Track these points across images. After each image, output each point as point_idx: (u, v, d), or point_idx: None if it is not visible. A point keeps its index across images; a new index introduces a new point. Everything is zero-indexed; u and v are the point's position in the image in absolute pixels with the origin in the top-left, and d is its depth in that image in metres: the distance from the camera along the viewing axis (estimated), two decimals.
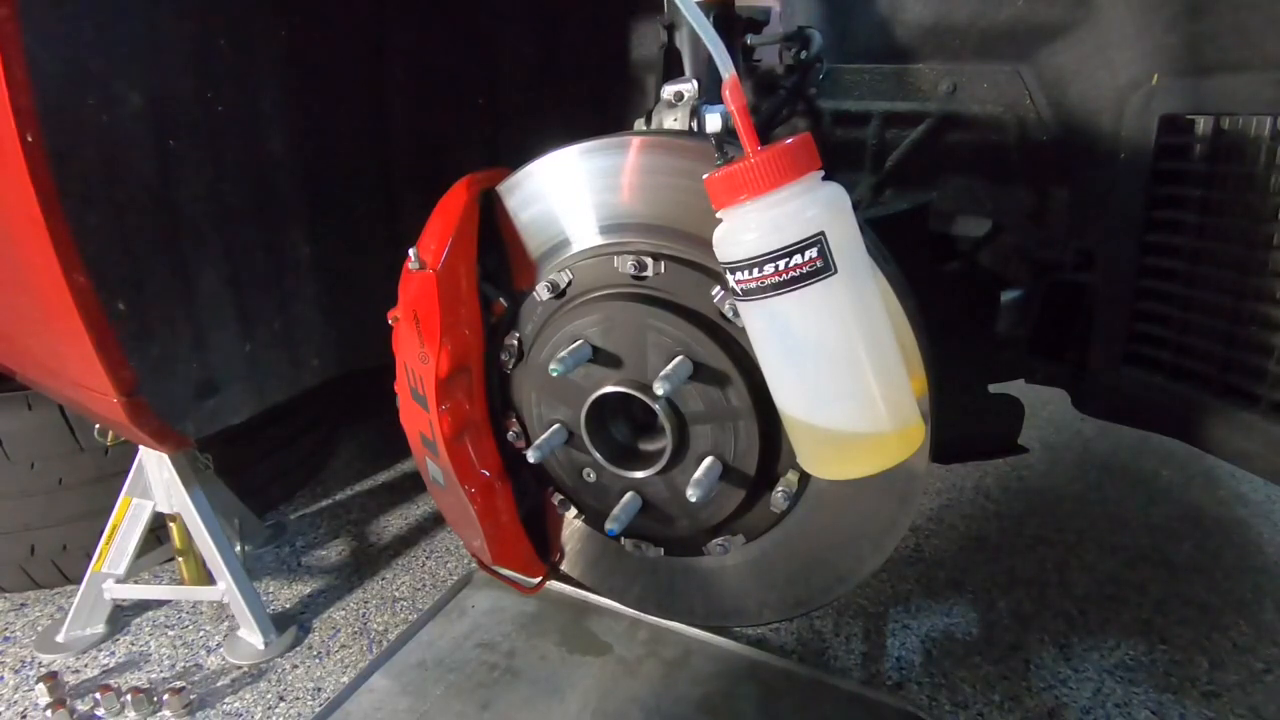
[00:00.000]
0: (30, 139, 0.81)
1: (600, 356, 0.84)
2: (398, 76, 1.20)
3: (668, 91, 0.87)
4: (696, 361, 0.78)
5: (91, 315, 0.91)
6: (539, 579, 1.06)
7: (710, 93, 0.88)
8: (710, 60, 0.66)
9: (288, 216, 1.14)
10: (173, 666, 1.35)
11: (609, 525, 0.87)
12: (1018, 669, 1.29)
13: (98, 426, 1.38)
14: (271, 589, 1.55)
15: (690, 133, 0.86)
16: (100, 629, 1.41)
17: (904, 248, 0.78)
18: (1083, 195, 0.97)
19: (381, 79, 1.19)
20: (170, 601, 1.50)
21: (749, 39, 1.11)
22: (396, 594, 1.52)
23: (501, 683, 1.22)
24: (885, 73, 1.10)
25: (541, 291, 0.87)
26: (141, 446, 1.32)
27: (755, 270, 0.63)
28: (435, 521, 1.76)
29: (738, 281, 0.66)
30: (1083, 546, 1.61)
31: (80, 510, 1.45)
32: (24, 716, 1.25)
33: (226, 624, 1.43)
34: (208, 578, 1.39)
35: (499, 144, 1.34)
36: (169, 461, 1.30)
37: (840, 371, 0.66)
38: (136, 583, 1.43)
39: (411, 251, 0.84)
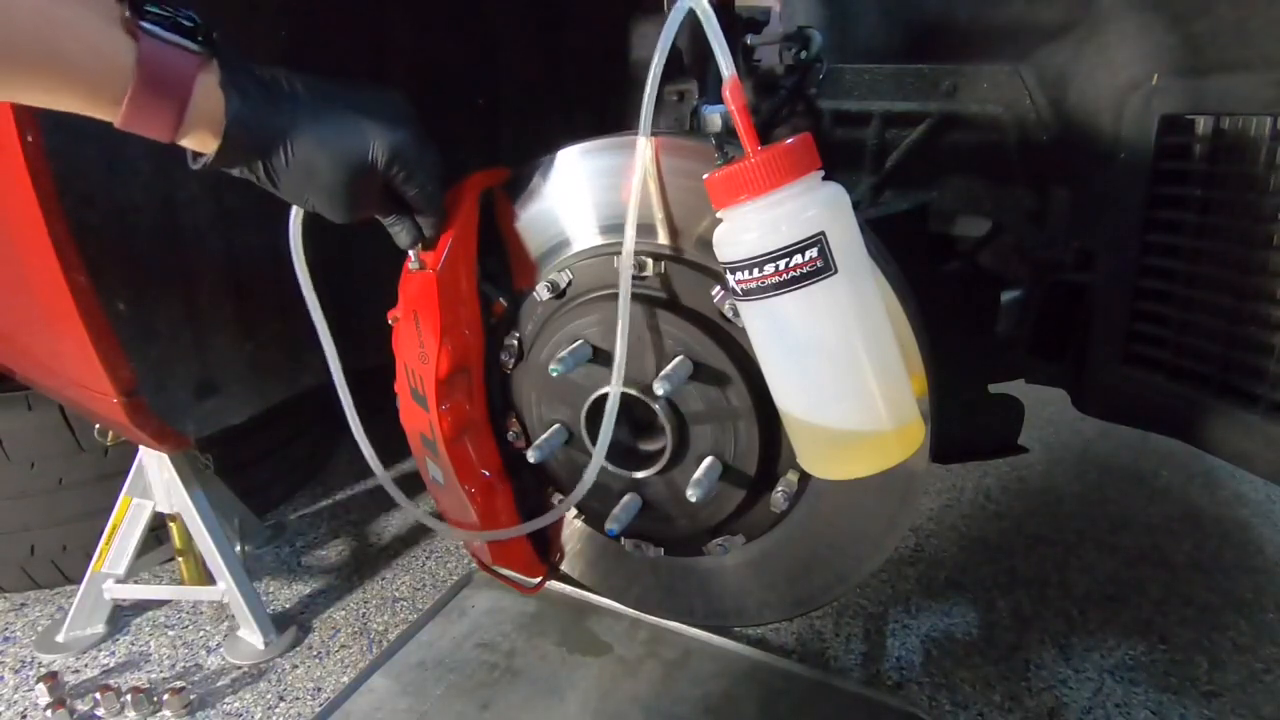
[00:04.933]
0: (30, 139, 0.81)
1: (600, 356, 0.84)
2: (398, 76, 1.20)
3: (668, 91, 0.87)
4: (696, 361, 0.78)
5: (91, 315, 0.91)
6: (539, 579, 1.06)
7: (710, 93, 0.88)
8: (711, 60, 0.66)
9: (288, 215, 1.14)
10: (173, 666, 1.35)
11: (609, 525, 0.87)
12: (1018, 669, 1.29)
13: (98, 426, 1.38)
14: (271, 589, 1.55)
15: (691, 133, 0.86)
16: (100, 629, 1.41)
17: (904, 248, 0.78)
18: (1083, 195, 0.97)
19: (381, 79, 1.19)
20: (170, 601, 1.50)
21: (749, 39, 1.11)
22: (396, 594, 1.52)
23: (501, 683, 1.22)
24: (885, 73, 1.10)
25: (541, 291, 0.87)
26: (141, 446, 1.32)
27: (755, 270, 0.63)
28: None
29: (738, 281, 0.66)
30: (1083, 546, 1.61)
31: (80, 510, 1.45)
32: (24, 716, 1.25)
33: (226, 624, 1.43)
34: (208, 578, 1.39)
35: (499, 144, 1.34)
36: (169, 461, 1.30)
37: (840, 371, 0.66)
38: (136, 583, 1.43)
39: (411, 251, 0.84)
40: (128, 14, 0.58)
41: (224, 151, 0.64)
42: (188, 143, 0.64)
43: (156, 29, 0.59)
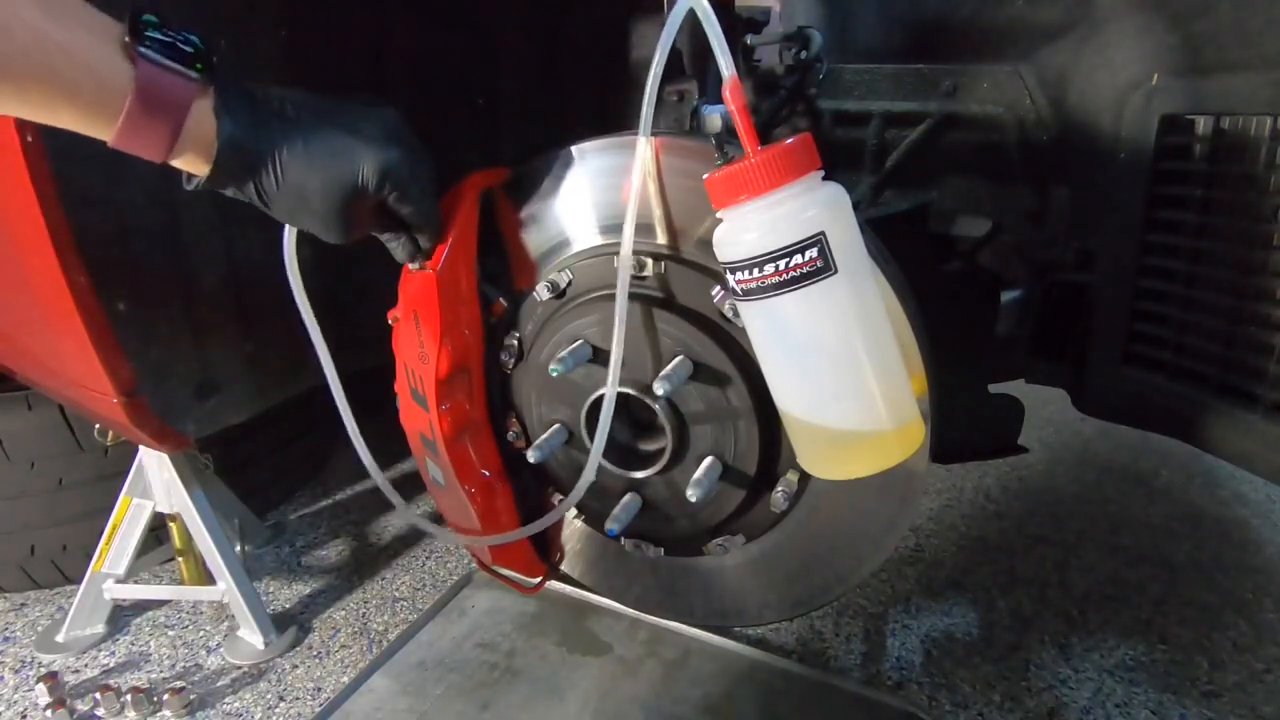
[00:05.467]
0: (30, 139, 0.81)
1: (600, 356, 0.84)
2: (398, 76, 1.20)
3: (668, 91, 0.87)
4: (696, 361, 0.78)
5: (91, 315, 0.91)
6: (539, 579, 1.06)
7: (710, 93, 0.88)
8: (711, 60, 0.66)
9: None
10: (173, 666, 1.35)
11: (609, 525, 0.87)
12: (1018, 669, 1.29)
13: (98, 426, 1.38)
14: (271, 589, 1.55)
15: (691, 133, 0.86)
16: (100, 629, 1.41)
17: (904, 248, 0.78)
18: (1083, 195, 0.97)
19: (381, 79, 1.19)
20: (170, 601, 1.50)
21: (749, 39, 1.11)
22: (396, 594, 1.52)
23: (501, 683, 1.22)
24: (885, 73, 1.10)
25: (541, 291, 0.87)
26: (141, 446, 1.32)
27: (755, 270, 0.63)
28: (435, 522, 1.76)
29: (738, 281, 0.66)
30: (1083, 546, 1.61)
31: (80, 510, 1.45)
32: (24, 716, 1.25)
33: (226, 624, 1.43)
34: (208, 578, 1.39)
35: (499, 144, 1.34)
36: (169, 461, 1.30)
37: (840, 371, 0.66)
38: (136, 583, 1.43)
39: None
40: (127, 39, 0.58)
41: (215, 174, 0.64)
42: (179, 164, 0.64)
43: (155, 54, 0.59)
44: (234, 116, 0.63)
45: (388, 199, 0.72)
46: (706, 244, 0.72)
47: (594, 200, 0.83)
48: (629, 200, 0.74)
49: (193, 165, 0.64)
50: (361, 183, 0.69)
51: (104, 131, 0.59)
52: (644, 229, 0.79)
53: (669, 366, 0.78)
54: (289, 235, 0.81)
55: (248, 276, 1.10)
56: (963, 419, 1.06)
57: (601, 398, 0.82)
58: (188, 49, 0.61)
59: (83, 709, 1.25)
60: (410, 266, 0.84)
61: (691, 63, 0.89)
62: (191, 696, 1.25)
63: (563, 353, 0.82)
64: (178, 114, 0.60)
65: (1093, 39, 0.92)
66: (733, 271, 0.66)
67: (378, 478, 0.93)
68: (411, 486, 1.89)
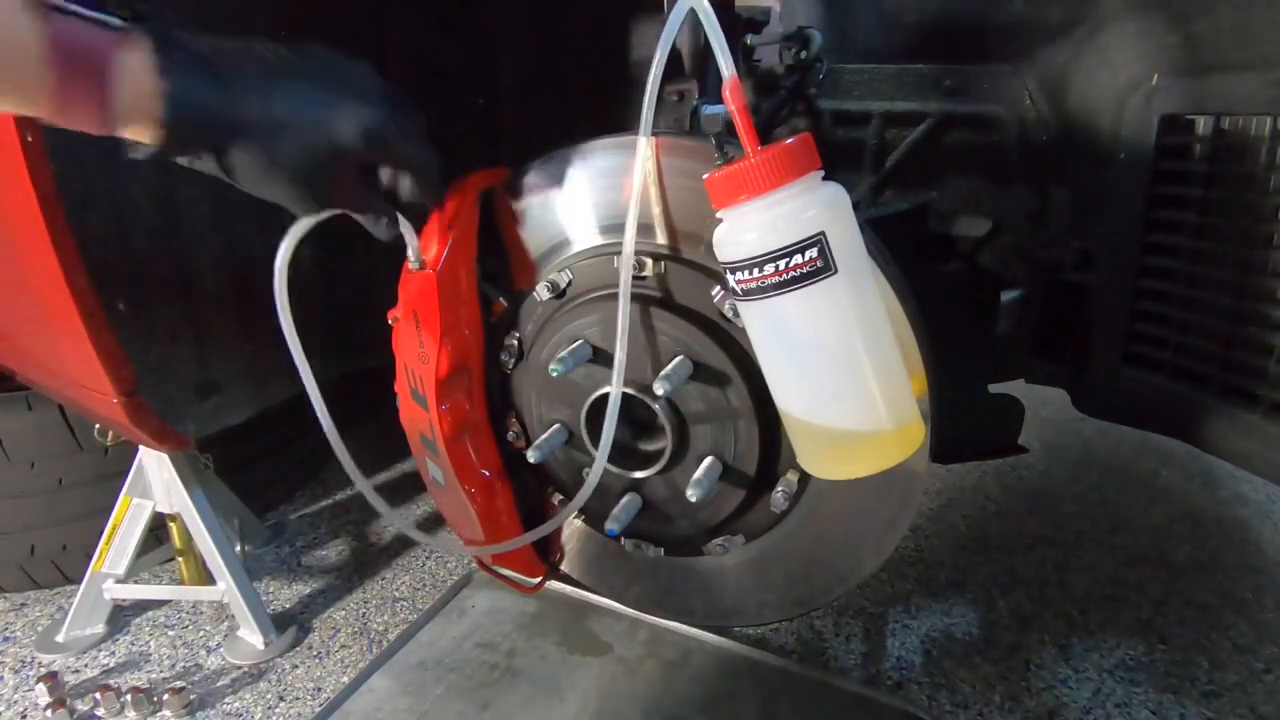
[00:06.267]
0: (30, 139, 0.81)
1: (600, 356, 0.84)
2: (398, 76, 1.20)
3: (668, 91, 0.87)
4: (696, 361, 0.78)
5: (91, 315, 0.91)
6: (539, 579, 1.06)
7: (710, 93, 0.88)
8: (711, 60, 0.66)
9: (288, 215, 1.14)
10: (173, 666, 1.35)
11: (609, 525, 0.87)
12: (1018, 669, 1.29)
13: (98, 426, 1.38)
14: (271, 589, 1.55)
15: (691, 133, 0.86)
16: (100, 629, 1.41)
17: (904, 248, 0.78)
18: (1083, 195, 0.97)
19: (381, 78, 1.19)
20: (170, 601, 1.50)
21: (749, 39, 1.11)
22: (396, 594, 1.52)
23: (501, 683, 1.22)
24: (885, 73, 1.10)
25: (541, 291, 0.87)
26: (141, 446, 1.32)
27: (755, 270, 0.63)
28: (435, 521, 1.76)
29: (738, 281, 0.66)
30: (1083, 546, 1.61)
31: (80, 510, 1.45)
32: (24, 716, 1.25)
33: (226, 624, 1.43)
34: (208, 578, 1.39)
35: (499, 144, 1.33)
36: (169, 461, 1.30)
37: (840, 371, 0.66)
38: (136, 583, 1.43)
39: (411, 251, 0.84)
40: None
41: (168, 141, 0.57)
42: (131, 134, 0.57)
43: (67, 3, 0.53)
44: (183, 74, 0.56)
45: (383, 155, 0.66)
46: (707, 244, 0.72)
47: (594, 200, 0.83)
48: (630, 200, 0.74)
49: (145, 134, 0.57)
50: (342, 143, 0.62)
51: (36, 104, 0.54)
52: (644, 229, 0.79)
53: (669, 366, 0.78)
54: (286, 244, 0.77)
55: (248, 276, 1.10)
56: (963, 419, 1.06)
57: (602, 397, 0.83)
58: None
59: (83, 709, 1.25)
60: (410, 266, 0.84)
61: (691, 63, 0.89)
62: (191, 696, 1.25)
63: (563, 353, 0.82)
64: (101, 67, 0.53)
65: (1093, 39, 0.92)
66: (733, 271, 0.66)
67: (363, 486, 0.89)
68: (411, 486, 1.90)
